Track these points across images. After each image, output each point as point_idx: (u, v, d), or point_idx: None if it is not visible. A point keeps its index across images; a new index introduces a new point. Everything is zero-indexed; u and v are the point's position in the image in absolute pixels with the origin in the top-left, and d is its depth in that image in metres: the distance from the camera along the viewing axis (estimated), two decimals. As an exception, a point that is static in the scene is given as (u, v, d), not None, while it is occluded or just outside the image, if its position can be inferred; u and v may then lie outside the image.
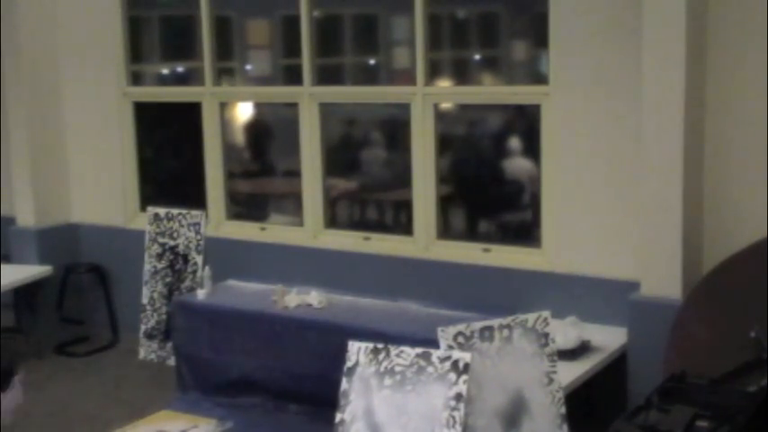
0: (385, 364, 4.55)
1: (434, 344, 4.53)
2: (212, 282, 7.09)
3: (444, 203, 6.85)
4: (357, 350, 4.61)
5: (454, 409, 4.37)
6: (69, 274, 8.17)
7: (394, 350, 4.55)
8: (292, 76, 7.32)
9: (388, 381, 4.52)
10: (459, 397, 4.37)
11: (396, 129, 6.82)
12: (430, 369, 4.47)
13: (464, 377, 4.38)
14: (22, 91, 8.06)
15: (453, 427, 4.35)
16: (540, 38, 6.25)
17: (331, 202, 7.34)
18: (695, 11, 5.35)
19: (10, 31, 7.96)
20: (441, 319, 5.92)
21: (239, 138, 8.15)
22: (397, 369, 4.53)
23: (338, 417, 4.63)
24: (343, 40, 7.55)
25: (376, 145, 7.41)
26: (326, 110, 7.22)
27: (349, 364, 4.61)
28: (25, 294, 7.98)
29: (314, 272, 7.00)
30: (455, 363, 4.40)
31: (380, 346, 4.59)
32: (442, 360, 4.43)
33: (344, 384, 4.61)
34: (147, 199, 8.10)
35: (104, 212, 8.26)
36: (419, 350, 4.51)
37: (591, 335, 5.63)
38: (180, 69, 8.43)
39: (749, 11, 5.41)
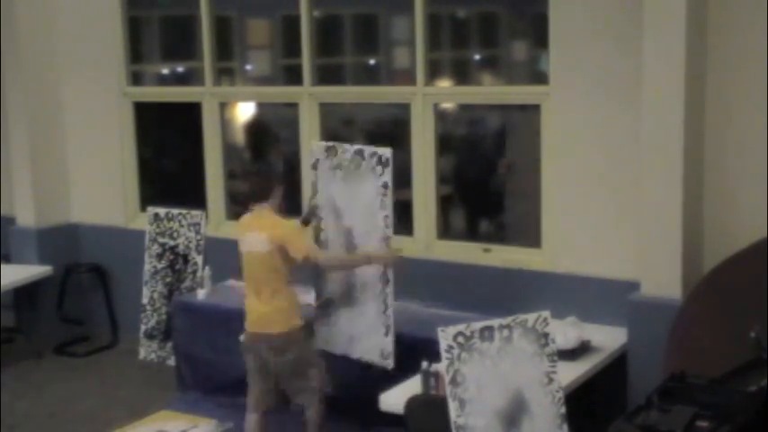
0: (335, 160, 5.82)
1: (435, 344, 4.54)
2: (212, 282, 7.09)
3: (445, 203, 6.85)
4: (317, 148, 5.99)
5: (384, 195, 5.55)
6: (69, 274, 8.17)
7: (340, 148, 5.82)
8: (292, 76, 7.33)
9: (339, 173, 5.81)
10: (385, 185, 5.55)
11: (396, 129, 6.80)
12: (364, 164, 5.67)
13: (388, 169, 5.54)
14: (22, 91, 8.06)
15: (384, 209, 5.55)
16: (540, 38, 6.25)
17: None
18: (695, 11, 5.35)
19: (10, 31, 7.97)
20: (441, 318, 5.92)
21: (239, 138, 8.15)
22: (344, 164, 5.77)
23: (313, 201, 5.97)
24: (343, 40, 7.55)
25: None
26: (326, 110, 7.22)
27: (312, 160, 5.99)
28: (25, 294, 7.98)
29: (314, 272, 6.99)
30: (379, 157, 5.58)
31: (330, 144, 5.95)
32: (371, 156, 5.63)
33: (313, 177, 5.98)
34: (147, 199, 8.10)
35: (104, 212, 8.27)
36: (357, 147, 5.76)
37: (591, 335, 5.63)
38: (180, 69, 8.43)
39: (749, 11, 5.41)
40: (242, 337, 5.67)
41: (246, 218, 5.61)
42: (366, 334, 5.81)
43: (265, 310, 5.42)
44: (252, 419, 5.62)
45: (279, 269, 5.40)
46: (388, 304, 5.69)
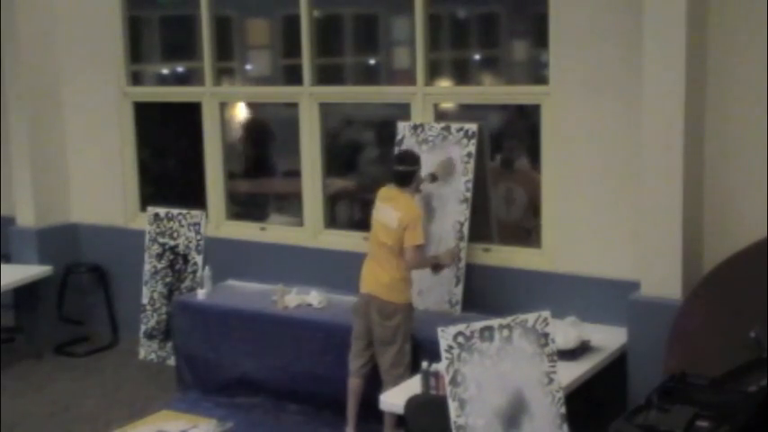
0: (422, 135, 6.52)
1: (435, 344, 4.54)
2: (212, 282, 7.10)
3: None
4: (403, 127, 6.61)
5: (467, 162, 6.30)
6: (69, 274, 8.17)
7: (427, 126, 6.50)
8: (292, 76, 7.32)
9: (423, 147, 6.44)
10: (470, 155, 6.31)
11: (395, 128, 6.80)
12: (450, 137, 6.39)
13: (473, 141, 6.29)
14: (22, 91, 8.06)
15: (466, 174, 6.30)
16: (539, 38, 6.25)
17: (330, 202, 7.34)
18: (695, 11, 5.35)
19: (10, 31, 7.96)
20: (441, 318, 5.93)
21: (239, 138, 8.15)
22: (430, 139, 6.48)
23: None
24: (343, 40, 7.55)
25: (376, 145, 7.41)
26: (326, 110, 7.23)
27: (398, 137, 6.61)
28: (25, 294, 7.98)
29: (314, 272, 7.01)
30: (466, 131, 6.34)
31: (418, 123, 6.56)
32: (458, 130, 6.37)
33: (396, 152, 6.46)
34: (147, 199, 8.10)
35: (104, 212, 8.27)
36: (442, 124, 6.48)
37: (591, 335, 5.63)
38: (180, 69, 8.43)
39: (749, 11, 5.41)
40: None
41: (385, 190, 6.02)
42: (437, 285, 6.32)
43: (384, 278, 5.86)
44: (352, 382, 6.00)
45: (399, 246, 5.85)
46: (461, 257, 6.27)
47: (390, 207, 5.87)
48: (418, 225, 5.83)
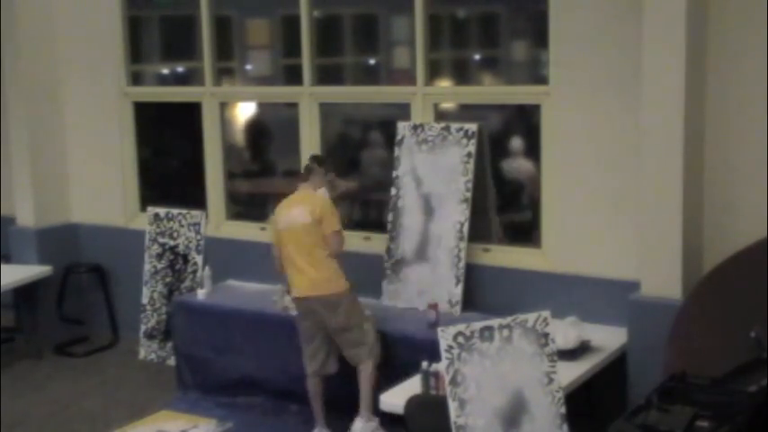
0: (422, 135, 6.53)
1: (435, 344, 4.54)
2: (212, 282, 7.10)
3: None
4: (403, 127, 6.63)
5: (467, 163, 6.30)
6: (69, 274, 8.17)
7: (427, 126, 6.52)
8: (292, 76, 7.32)
9: (423, 147, 6.50)
10: (469, 155, 6.29)
11: (395, 128, 6.80)
12: (450, 137, 6.38)
13: (472, 141, 6.29)
14: (22, 91, 8.06)
15: (466, 175, 6.30)
16: (539, 38, 6.25)
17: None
18: (695, 11, 5.35)
19: (10, 31, 7.96)
20: (441, 318, 5.93)
21: (239, 138, 8.15)
22: (429, 139, 6.49)
23: (394, 173, 6.63)
24: (343, 40, 7.55)
25: (376, 145, 7.41)
26: (326, 110, 7.22)
27: (398, 137, 6.62)
28: (25, 294, 7.98)
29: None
30: (466, 131, 6.33)
31: (417, 123, 6.57)
32: (458, 130, 6.36)
33: (396, 152, 6.63)
34: (147, 199, 8.10)
35: (104, 212, 8.26)
36: (442, 124, 6.49)
37: (591, 335, 5.62)
38: (180, 69, 8.43)
39: (749, 11, 5.41)
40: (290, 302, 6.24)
41: (285, 201, 6.09)
42: (437, 285, 6.33)
43: (318, 276, 5.90)
44: (312, 382, 6.04)
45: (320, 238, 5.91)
46: (461, 257, 6.26)
47: (296, 208, 5.95)
48: (332, 212, 5.95)
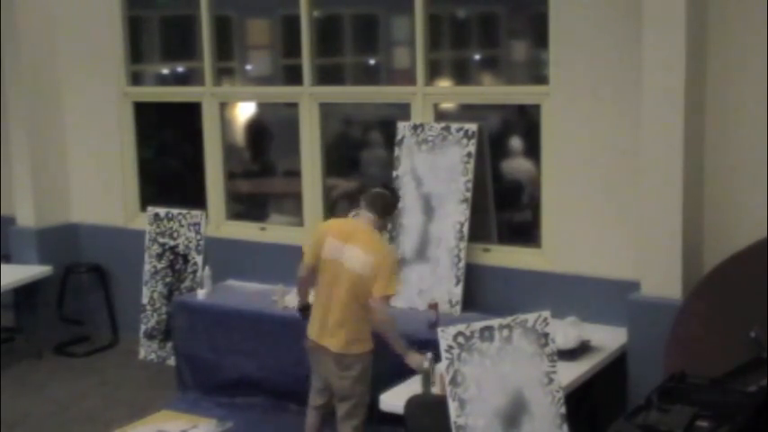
0: (422, 135, 6.54)
1: (435, 344, 4.54)
2: (212, 282, 7.10)
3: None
4: (403, 127, 6.63)
5: (467, 163, 6.31)
6: (69, 274, 8.17)
7: (427, 126, 6.52)
8: (292, 76, 7.32)
9: (423, 147, 6.51)
10: (469, 155, 6.31)
11: (396, 128, 6.80)
12: (450, 137, 6.39)
13: (473, 141, 6.30)
14: (22, 91, 8.06)
15: (466, 175, 6.29)
16: (539, 38, 6.25)
17: (331, 203, 7.34)
18: (695, 11, 5.35)
19: (10, 31, 7.96)
20: (441, 318, 5.93)
21: (239, 138, 8.15)
22: (429, 139, 6.51)
23: (394, 173, 6.62)
24: (343, 40, 7.55)
25: (376, 145, 7.42)
26: (326, 110, 7.23)
27: (398, 137, 6.62)
28: (25, 294, 7.98)
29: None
30: (466, 131, 6.34)
31: (417, 123, 6.55)
32: (458, 130, 6.38)
33: (396, 152, 6.64)
34: (147, 199, 8.10)
35: (104, 212, 8.27)
36: (443, 124, 6.49)
37: (591, 335, 5.62)
38: (180, 69, 8.43)
39: (749, 11, 5.41)
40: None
41: (340, 223, 5.41)
42: (437, 285, 6.34)
43: (342, 331, 5.19)
44: (312, 414, 5.52)
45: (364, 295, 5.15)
46: (461, 257, 6.28)
47: (354, 247, 5.15)
48: (392, 270, 5.17)
